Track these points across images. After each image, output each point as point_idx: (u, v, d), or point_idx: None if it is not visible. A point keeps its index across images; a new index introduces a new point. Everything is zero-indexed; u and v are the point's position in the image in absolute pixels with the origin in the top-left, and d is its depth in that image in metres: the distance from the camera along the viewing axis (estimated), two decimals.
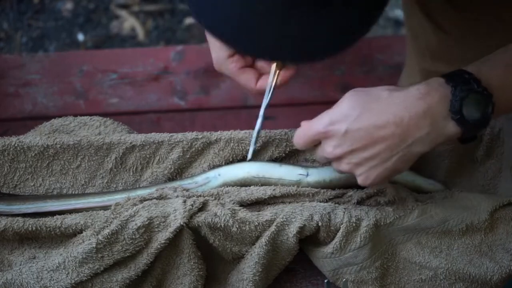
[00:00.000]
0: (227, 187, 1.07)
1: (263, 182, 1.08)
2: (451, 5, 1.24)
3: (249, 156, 1.08)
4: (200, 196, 1.05)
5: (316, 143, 0.99)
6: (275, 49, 0.85)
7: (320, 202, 1.05)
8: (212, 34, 0.87)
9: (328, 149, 0.96)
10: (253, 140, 1.08)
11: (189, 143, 1.10)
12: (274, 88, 1.06)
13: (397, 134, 0.93)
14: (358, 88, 0.98)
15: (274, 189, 1.06)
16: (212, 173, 1.08)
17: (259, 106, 1.08)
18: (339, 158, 0.97)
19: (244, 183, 1.08)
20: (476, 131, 0.95)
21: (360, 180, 0.98)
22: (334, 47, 0.86)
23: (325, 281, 1.05)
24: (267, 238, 1.01)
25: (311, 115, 1.03)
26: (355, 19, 0.83)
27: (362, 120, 0.94)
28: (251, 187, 1.07)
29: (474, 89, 0.92)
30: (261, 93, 1.07)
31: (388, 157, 0.94)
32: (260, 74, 1.08)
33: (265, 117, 1.07)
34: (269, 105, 1.07)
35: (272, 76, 1.06)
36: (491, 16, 1.24)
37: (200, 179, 1.08)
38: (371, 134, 0.93)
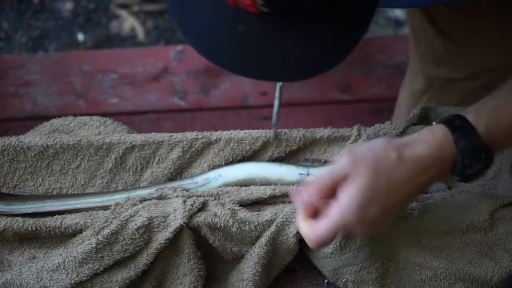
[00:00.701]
0: (227, 187, 1.07)
1: (264, 183, 1.08)
2: (453, 11, 1.24)
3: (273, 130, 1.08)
4: (200, 196, 1.05)
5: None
6: (258, 69, 0.85)
7: None
8: (200, 54, 0.87)
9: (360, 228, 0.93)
10: (274, 120, 1.07)
11: (189, 143, 1.10)
12: None
13: (414, 190, 0.93)
14: (360, 150, 0.93)
15: (274, 189, 1.05)
16: (212, 174, 1.08)
17: (259, 106, 1.08)
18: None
19: (244, 184, 1.08)
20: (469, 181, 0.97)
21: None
22: (317, 66, 0.86)
23: (325, 281, 1.05)
24: (267, 238, 1.01)
25: (311, 115, 1.03)
26: (337, 36, 0.83)
27: (389, 197, 0.91)
28: (251, 186, 1.07)
29: (481, 160, 0.93)
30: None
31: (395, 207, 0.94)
32: None
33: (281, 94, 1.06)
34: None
35: None
36: (494, 23, 1.24)
37: (200, 179, 1.08)
38: (398, 200, 0.93)
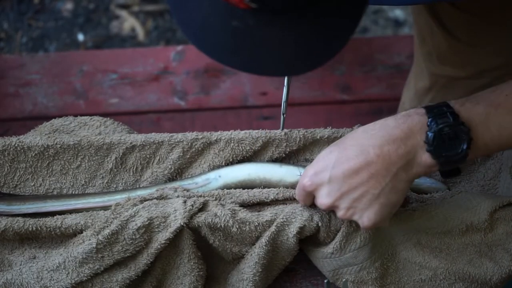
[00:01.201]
0: (228, 189, 1.07)
1: (264, 183, 1.08)
2: (459, 10, 1.24)
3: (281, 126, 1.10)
4: (200, 196, 1.05)
5: (312, 197, 1.00)
6: (254, 64, 0.85)
7: None
8: (202, 52, 0.87)
9: (321, 200, 0.97)
10: (283, 108, 1.08)
11: (189, 143, 1.10)
12: None
13: (381, 167, 0.92)
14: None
15: (277, 193, 1.05)
16: (212, 174, 1.08)
17: (259, 106, 1.08)
18: (333, 206, 0.97)
19: (244, 184, 1.08)
20: (452, 165, 0.94)
21: (361, 224, 0.96)
22: (313, 60, 0.86)
23: (325, 281, 1.05)
24: (267, 239, 1.01)
25: (311, 115, 1.03)
26: (332, 28, 0.83)
27: (342, 162, 0.94)
28: (254, 189, 1.07)
29: (449, 123, 0.91)
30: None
31: (379, 192, 0.93)
32: None
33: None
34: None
35: None
36: (499, 22, 1.24)
37: (200, 180, 1.08)
38: (356, 173, 0.93)
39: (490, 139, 0.93)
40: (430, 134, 0.91)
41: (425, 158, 0.92)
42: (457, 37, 1.29)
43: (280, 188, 1.06)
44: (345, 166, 0.94)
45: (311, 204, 1.01)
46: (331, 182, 0.95)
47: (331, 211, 1.02)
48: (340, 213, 0.97)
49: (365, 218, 0.95)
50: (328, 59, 0.86)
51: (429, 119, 0.92)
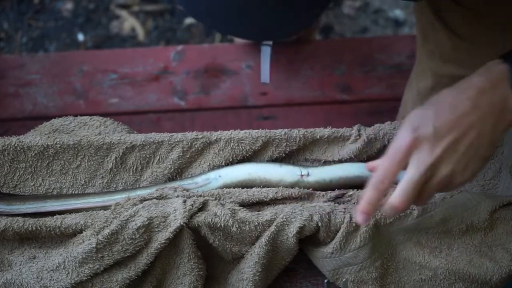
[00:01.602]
0: (228, 188, 1.07)
1: (264, 183, 1.08)
2: (462, 7, 1.24)
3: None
4: (200, 196, 1.05)
5: (406, 160, 0.93)
6: (231, 24, 0.85)
7: (320, 202, 1.05)
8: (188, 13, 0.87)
9: (425, 157, 0.90)
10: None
11: (189, 143, 1.10)
12: None
13: (480, 117, 0.92)
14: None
15: (276, 192, 1.05)
16: (212, 174, 1.08)
17: (259, 106, 1.08)
18: (439, 160, 0.91)
19: (245, 185, 1.08)
20: None
21: (461, 179, 0.93)
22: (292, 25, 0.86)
23: (325, 281, 1.05)
24: (267, 238, 1.01)
25: (311, 115, 1.03)
26: None
27: (443, 113, 0.92)
28: (253, 188, 1.07)
29: None
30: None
31: (480, 144, 0.92)
32: None
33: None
34: None
35: None
36: (503, 19, 1.23)
37: (200, 179, 1.08)
38: (459, 125, 0.91)
39: None
40: None
41: None
42: (460, 35, 1.29)
43: (280, 187, 1.06)
44: (447, 118, 0.91)
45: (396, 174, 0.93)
46: (436, 135, 0.91)
47: (331, 211, 1.02)
48: (446, 169, 0.91)
49: (466, 173, 0.93)
50: (306, 26, 0.85)
51: (509, 66, 0.93)
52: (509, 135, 1.11)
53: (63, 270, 1.00)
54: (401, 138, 0.91)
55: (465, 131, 0.92)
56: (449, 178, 0.92)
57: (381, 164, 0.92)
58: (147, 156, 1.10)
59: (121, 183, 1.11)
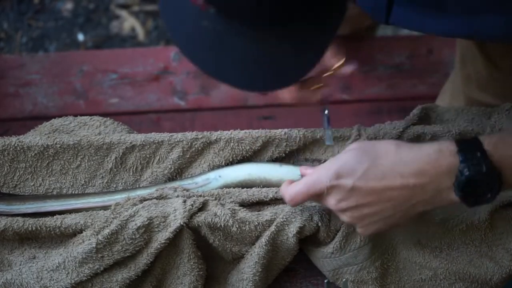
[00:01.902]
0: (228, 188, 1.07)
1: (264, 183, 1.08)
2: None
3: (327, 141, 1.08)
4: (200, 196, 1.05)
5: (315, 197, 0.98)
6: (218, 70, 0.84)
7: None
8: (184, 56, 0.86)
9: (331, 201, 0.95)
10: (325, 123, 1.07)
11: (189, 143, 1.10)
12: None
13: (402, 195, 0.92)
14: (363, 141, 0.97)
15: (276, 192, 1.05)
16: (212, 174, 1.08)
17: (259, 106, 1.08)
18: (341, 210, 0.96)
19: (245, 185, 1.08)
20: (478, 204, 0.93)
21: (359, 231, 0.97)
22: (269, 81, 0.85)
23: (325, 281, 1.05)
24: (267, 238, 1.01)
25: (311, 115, 1.03)
26: (293, 51, 0.81)
27: (369, 178, 0.92)
28: (253, 188, 1.07)
29: (481, 172, 0.89)
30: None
31: (391, 215, 0.94)
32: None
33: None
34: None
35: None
36: None
37: (200, 179, 1.08)
38: (377, 194, 0.92)
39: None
40: (461, 180, 0.89)
41: (452, 197, 0.91)
42: (499, 66, 1.26)
43: (279, 187, 1.06)
44: (370, 183, 0.92)
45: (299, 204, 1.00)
46: (351, 191, 0.93)
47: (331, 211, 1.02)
48: (345, 219, 0.96)
49: (365, 229, 0.96)
50: (293, 82, 0.85)
51: (462, 164, 0.89)
52: None
53: (63, 270, 1.00)
54: (323, 178, 0.94)
55: (380, 200, 0.93)
56: (351, 224, 0.96)
57: (298, 187, 0.97)
58: (147, 156, 1.10)
59: (121, 183, 1.11)
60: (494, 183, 0.90)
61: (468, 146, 0.91)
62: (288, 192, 0.98)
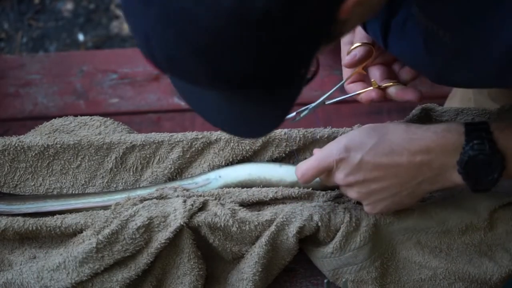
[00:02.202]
0: (228, 188, 1.07)
1: (264, 183, 1.08)
2: None
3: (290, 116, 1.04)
4: (200, 195, 1.05)
5: (324, 172, 0.99)
6: (200, 112, 0.85)
7: (320, 202, 1.05)
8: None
9: (340, 175, 0.96)
10: (316, 102, 1.05)
11: (189, 143, 1.10)
12: (353, 95, 1.05)
13: (409, 172, 0.93)
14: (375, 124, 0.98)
15: (276, 192, 1.06)
16: (212, 174, 1.08)
17: None
18: (349, 185, 0.97)
19: (245, 185, 1.08)
20: (482, 188, 0.94)
21: (366, 209, 0.99)
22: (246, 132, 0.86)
23: (325, 281, 1.05)
24: (267, 238, 1.01)
25: (311, 115, 1.03)
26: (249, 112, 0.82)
27: (377, 152, 0.94)
28: (253, 188, 1.07)
29: (484, 151, 0.91)
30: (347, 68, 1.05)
31: (397, 192, 0.95)
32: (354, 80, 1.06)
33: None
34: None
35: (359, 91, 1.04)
36: None
37: (200, 180, 1.08)
38: (385, 169, 0.94)
39: None
40: (464, 158, 0.91)
41: (455, 177, 0.93)
42: None
43: (280, 187, 1.06)
44: (378, 158, 0.94)
45: (310, 181, 1.01)
46: (359, 165, 0.94)
47: (331, 211, 1.03)
48: (351, 194, 0.98)
49: (372, 207, 0.97)
50: (267, 133, 0.85)
51: (465, 142, 0.91)
52: None
53: (64, 270, 1.00)
54: (333, 151, 0.96)
55: (387, 176, 0.94)
56: (359, 199, 0.98)
57: (309, 162, 0.99)
58: (147, 156, 1.10)
59: (121, 183, 1.11)
60: (496, 166, 0.91)
61: (475, 128, 0.92)
62: (299, 168, 1.00)
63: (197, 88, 0.78)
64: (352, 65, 1.02)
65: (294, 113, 1.03)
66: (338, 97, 1.05)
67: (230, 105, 0.81)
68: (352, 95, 1.04)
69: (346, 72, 1.06)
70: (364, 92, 1.03)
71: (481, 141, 0.91)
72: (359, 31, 1.02)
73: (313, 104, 1.04)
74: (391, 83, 1.02)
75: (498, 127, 0.92)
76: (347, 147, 0.95)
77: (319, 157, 0.98)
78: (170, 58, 0.71)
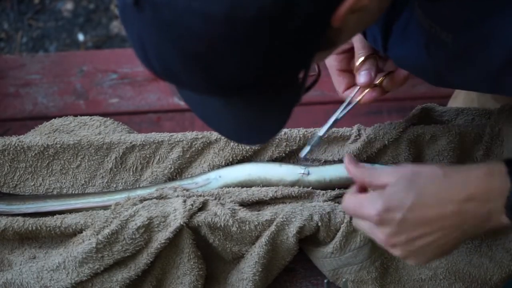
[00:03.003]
0: (227, 188, 1.07)
1: (264, 183, 1.08)
2: None
3: (304, 153, 1.04)
4: (200, 195, 1.05)
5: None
6: (206, 120, 0.85)
7: (320, 202, 1.05)
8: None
9: (381, 236, 0.90)
10: (313, 142, 1.04)
11: (189, 143, 1.10)
12: (353, 104, 1.03)
13: (454, 223, 0.88)
14: (409, 166, 0.91)
15: (276, 191, 1.05)
16: (212, 175, 1.08)
17: None
18: (393, 246, 0.91)
19: (245, 185, 1.08)
20: None
21: (410, 263, 0.93)
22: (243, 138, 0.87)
23: (325, 281, 1.05)
24: (267, 238, 1.01)
25: (311, 115, 1.03)
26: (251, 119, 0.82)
27: (419, 208, 0.88)
28: (253, 188, 1.07)
29: None
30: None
31: (443, 243, 0.90)
32: (353, 83, 1.05)
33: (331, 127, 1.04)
34: (340, 119, 1.04)
35: (355, 91, 1.03)
36: None
37: (200, 180, 1.08)
38: (429, 224, 0.88)
39: None
40: (511, 201, 0.86)
41: (502, 220, 0.88)
42: None
43: (279, 186, 1.06)
44: (420, 213, 0.88)
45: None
46: (402, 225, 0.89)
47: (331, 210, 1.02)
48: (396, 253, 0.92)
49: (417, 260, 0.92)
50: (272, 136, 0.84)
51: (511, 185, 0.86)
52: (508, 135, 1.11)
53: (63, 270, 1.00)
54: (371, 208, 0.89)
55: (432, 230, 0.89)
56: (405, 258, 0.92)
57: (349, 204, 0.93)
58: (147, 156, 1.10)
59: (121, 183, 1.11)
60: None
61: None
62: (344, 201, 0.94)
63: (200, 96, 0.78)
64: (370, 83, 1.00)
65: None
66: (341, 113, 1.04)
67: (232, 112, 0.81)
68: (354, 104, 1.03)
69: (340, 82, 1.05)
70: (365, 95, 1.02)
71: None
72: (356, 40, 1.02)
73: (314, 139, 1.04)
74: (382, 77, 1.02)
75: None
76: (386, 208, 0.88)
77: (361, 211, 0.91)
78: (166, 66, 0.72)
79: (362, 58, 1.00)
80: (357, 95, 1.03)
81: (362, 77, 1.00)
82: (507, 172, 0.87)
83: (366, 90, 1.02)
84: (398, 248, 0.91)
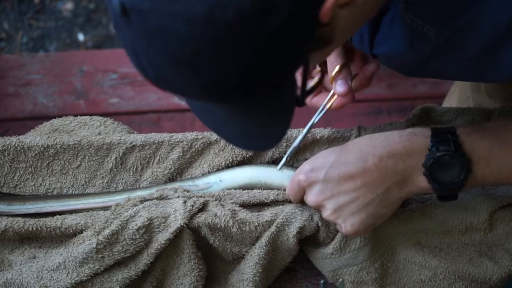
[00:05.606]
0: (228, 190, 1.07)
1: (265, 188, 1.08)
2: None
3: (280, 165, 1.06)
4: (200, 196, 1.05)
5: (302, 193, 1.00)
6: (213, 128, 0.87)
7: None
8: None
9: (311, 197, 0.97)
10: (288, 153, 1.06)
11: (189, 143, 1.10)
12: (325, 110, 1.04)
13: (375, 177, 0.92)
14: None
15: (277, 194, 1.05)
16: (213, 178, 1.08)
17: None
18: (321, 205, 0.96)
19: (245, 189, 1.08)
20: (448, 192, 0.94)
21: (343, 229, 0.96)
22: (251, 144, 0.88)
23: (321, 281, 1.05)
24: (267, 239, 1.01)
25: (311, 115, 1.03)
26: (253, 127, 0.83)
27: (340, 164, 0.94)
28: (254, 190, 1.07)
29: (450, 152, 0.90)
30: (311, 108, 1.05)
31: (369, 201, 0.93)
32: (319, 92, 1.06)
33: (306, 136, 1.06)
34: (314, 126, 1.05)
35: (328, 97, 1.03)
36: None
37: (201, 182, 1.08)
38: (350, 177, 0.93)
39: (489, 173, 0.92)
40: (428, 159, 0.91)
41: (421, 180, 0.92)
42: None
43: (281, 190, 1.06)
44: (342, 168, 0.93)
45: (301, 201, 1.02)
46: (325, 181, 0.94)
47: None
48: (326, 213, 0.96)
49: (349, 224, 0.95)
50: (279, 139, 0.85)
51: (431, 144, 0.91)
52: None
53: (63, 270, 1.00)
54: (297, 175, 0.98)
55: (354, 186, 0.93)
56: (334, 220, 0.97)
57: (288, 186, 1.02)
58: (147, 156, 1.10)
59: (121, 183, 1.11)
60: (461, 168, 0.91)
61: (441, 131, 0.92)
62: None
63: (209, 107, 0.78)
64: (348, 92, 1.01)
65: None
66: (315, 119, 1.04)
67: (236, 120, 0.81)
68: (325, 111, 1.03)
69: None
70: (335, 101, 1.02)
71: (446, 142, 0.91)
72: None
73: (291, 148, 1.06)
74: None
75: (464, 131, 0.92)
76: (311, 168, 0.96)
77: (289, 185, 1.00)
78: (160, 73, 0.72)
79: (337, 68, 1.01)
80: (328, 101, 1.03)
81: (340, 86, 1.01)
82: (430, 135, 0.92)
83: (335, 96, 1.02)
84: (326, 206, 0.96)
